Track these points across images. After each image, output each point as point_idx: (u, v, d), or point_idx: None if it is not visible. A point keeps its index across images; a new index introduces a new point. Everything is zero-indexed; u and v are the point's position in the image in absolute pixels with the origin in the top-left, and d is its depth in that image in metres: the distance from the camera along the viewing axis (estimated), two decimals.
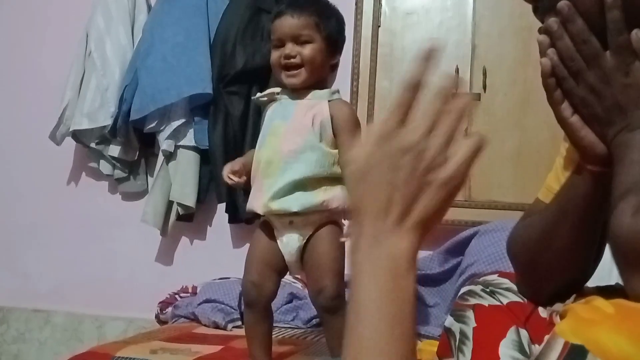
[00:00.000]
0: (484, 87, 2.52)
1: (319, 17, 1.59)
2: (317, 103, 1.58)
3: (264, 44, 2.53)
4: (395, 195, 0.65)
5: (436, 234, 2.46)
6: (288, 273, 1.69)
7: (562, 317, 0.78)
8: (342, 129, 1.57)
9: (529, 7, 0.93)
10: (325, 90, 1.62)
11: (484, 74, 2.51)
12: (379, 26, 2.62)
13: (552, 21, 0.85)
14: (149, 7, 2.92)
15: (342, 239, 1.51)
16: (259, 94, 1.69)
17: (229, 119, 2.64)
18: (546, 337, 0.76)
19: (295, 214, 1.54)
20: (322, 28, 1.59)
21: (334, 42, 1.63)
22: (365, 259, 0.65)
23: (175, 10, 2.75)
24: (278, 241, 1.60)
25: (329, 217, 1.56)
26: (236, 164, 1.64)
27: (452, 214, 2.47)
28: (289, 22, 1.58)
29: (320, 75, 1.62)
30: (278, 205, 1.54)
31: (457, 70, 2.52)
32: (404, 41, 2.62)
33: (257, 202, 1.58)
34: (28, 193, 3.03)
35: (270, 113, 1.64)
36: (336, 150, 1.57)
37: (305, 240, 1.58)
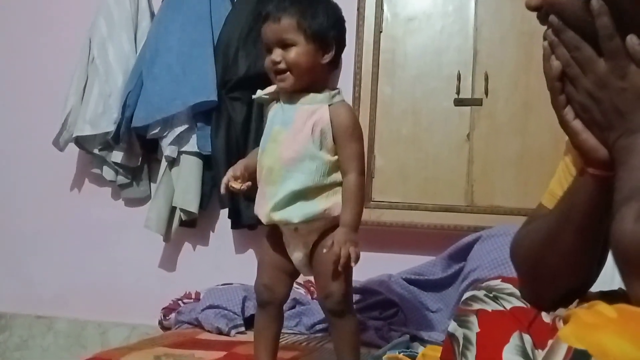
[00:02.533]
0: (486, 92, 2.52)
1: (301, 17, 1.53)
2: (318, 108, 1.54)
3: None
4: None
5: (439, 240, 2.46)
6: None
7: (565, 322, 0.78)
8: (341, 136, 1.53)
9: (531, 12, 0.95)
10: (325, 94, 1.56)
11: (486, 79, 2.52)
12: (381, 32, 2.62)
13: (549, 32, 0.89)
14: (152, 14, 2.92)
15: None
16: (260, 92, 1.65)
17: (232, 124, 2.65)
18: (550, 342, 0.76)
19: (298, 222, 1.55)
20: (305, 28, 1.53)
21: (322, 39, 1.55)
22: None
23: (179, 17, 2.75)
24: (286, 247, 1.60)
25: (332, 223, 1.56)
26: (238, 168, 1.61)
27: (455, 219, 2.47)
28: (271, 28, 1.54)
29: (314, 76, 1.56)
30: (279, 216, 1.54)
31: (459, 76, 2.53)
32: (406, 47, 2.62)
33: (261, 210, 1.58)
34: (31, 199, 3.04)
35: (272, 116, 1.62)
36: (336, 157, 1.54)
37: (311, 247, 1.57)
